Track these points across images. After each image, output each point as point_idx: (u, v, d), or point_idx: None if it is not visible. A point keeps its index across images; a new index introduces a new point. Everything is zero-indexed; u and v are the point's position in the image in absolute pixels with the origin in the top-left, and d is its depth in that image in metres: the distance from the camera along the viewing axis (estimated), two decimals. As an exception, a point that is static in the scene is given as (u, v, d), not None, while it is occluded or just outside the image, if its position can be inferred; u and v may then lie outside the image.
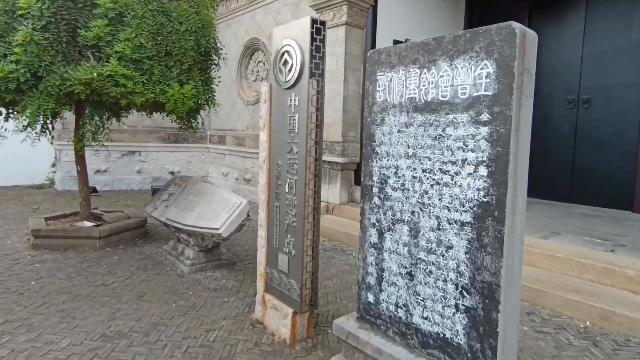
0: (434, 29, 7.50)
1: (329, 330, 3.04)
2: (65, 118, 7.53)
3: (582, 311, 3.38)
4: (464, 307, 1.80)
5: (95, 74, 3.48)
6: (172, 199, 4.45)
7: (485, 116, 1.68)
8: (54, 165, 9.43)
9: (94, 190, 8.42)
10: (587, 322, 3.33)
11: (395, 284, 2.10)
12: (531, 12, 7.37)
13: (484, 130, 1.68)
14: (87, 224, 4.92)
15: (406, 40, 7.18)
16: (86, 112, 4.02)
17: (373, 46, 6.54)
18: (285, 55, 2.71)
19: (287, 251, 2.84)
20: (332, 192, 6.48)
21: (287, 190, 2.81)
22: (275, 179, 2.94)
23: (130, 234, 5.09)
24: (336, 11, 6.25)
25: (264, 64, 8.08)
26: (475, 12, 8.23)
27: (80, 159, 4.88)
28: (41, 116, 3.66)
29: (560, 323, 3.29)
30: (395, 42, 7.02)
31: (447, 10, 7.88)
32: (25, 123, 3.72)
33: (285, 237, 2.85)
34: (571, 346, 2.94)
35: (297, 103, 2.67)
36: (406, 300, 2.05)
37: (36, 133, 4.22)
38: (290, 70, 2.68)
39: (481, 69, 1.68)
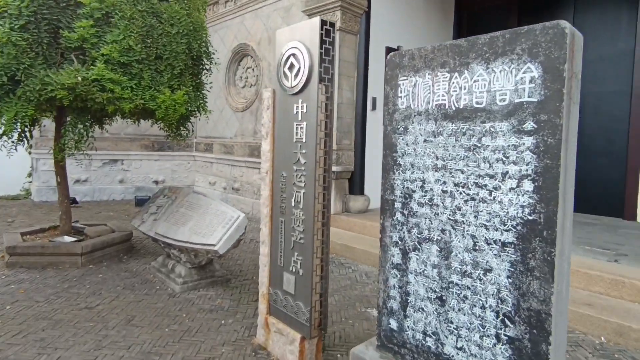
0: (425, 37, 7.44)
1: (338, 355, 2.82)
2: (44, 125, 7.15)
3: (596, 326, 3.26)
4: (506, 338, 1.61)
5: (79, 78, 3.21)
6: (162, 212, 4.18)
7: (529, 125, 1.51)
8: (30, 174, 8.97)
9: (74, 201, 8.01)
10: (602, 338, 3.19)
11: (422, 309, 1.90)
12: (519, 22, 7.39)
13: (529, 141, 1.51)
14: (68, 239, 4.59)
15: (398, 47, 7.08)
16: (68, 119, 3.72)
17: (367, 53, 6.41)
18: (292, 59, 2.51)
19: (293, 270, 2.62)
20: (326, 202, 6.26)
21: (293, 204, 2.60)
22: (279, 192, 2.72)
23: (115, 249, 4.77)
24: (329, 16, 6.09)
25: (253, 70, 7.87)
26: (464, 23, 8.22)
27: (60, 169, 4.56)
28: (19, 124, 3.36)
29: (575, 339, 3.15)
30: (388, 49, 6.92)
31: (436, 19, 7.84)
32: (0, 131, 3.41)
33: (291, 255, 2.63)
34: (592, 366, 2.79)
35: (304, 110, 2.47)
36: (436, 328, 1.85)
37: (13, 142, 3.90)
38: (297, 75, 2.48)
39: (524, 72, 1.52)
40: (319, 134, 2.41)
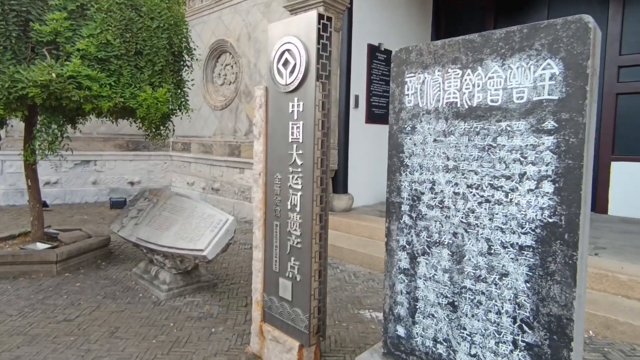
0: (405, 35, 7.43)
1: (335, 361, 2.74)
2: (11, 125, 6.74)
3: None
4: (524, 344, 1.56)
5: (54, 75, 2.98)
6: (143, 216, 3.97)
7: (549, 124, 1.45)
8: (-5, 177, 8.47)
9: (44, 204, 7.60)
10: (590, 332, 3.24)
11: (433, 315, 1.83)
12: (496, 22, 7.47)
13: (549, 140, 1.46)
14: (41, 246, 4.32)
15: (379, 44, 7.05)
16: (40, 119, 3.48)
17: (349, 50, 6.34)
18: (286, 55, 2.40)
19: (290, 276, 2.51)
20: (311, 202, 6.16)
21: (289, 207, 2.49)
22: (273, 194, 2.60)
23: (93, 256, 4.53)
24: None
25: (232, 67, 7.66)
26: (442, 23, 8.25)
27: (31, 172, 4.28)
28: (-15, 124, 3.10)
29: (568, 335, 3.17)
30: (370, 46, 6.87)
31: (415, 18, 7.84)
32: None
33: (287, 261, 2.52)
34: (585, 361, 2.81)
35: (301, 109, 2.36)
36: (448, 335, 1.79)
37: (-22, 144, 3.62)
38: (292, 72, 2.36)
39: (543, 69, 1.46)
40: (316, 134, 2.31)
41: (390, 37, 7.15)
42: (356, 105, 6.69)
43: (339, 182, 6.52)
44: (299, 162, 2.40)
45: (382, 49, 7.06)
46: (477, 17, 7.60)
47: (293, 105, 2.41)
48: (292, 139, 2.44)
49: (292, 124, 2.43)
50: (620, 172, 5.71)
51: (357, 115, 6.75)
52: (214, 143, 8.06)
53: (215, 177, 8.07)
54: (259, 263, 2.71)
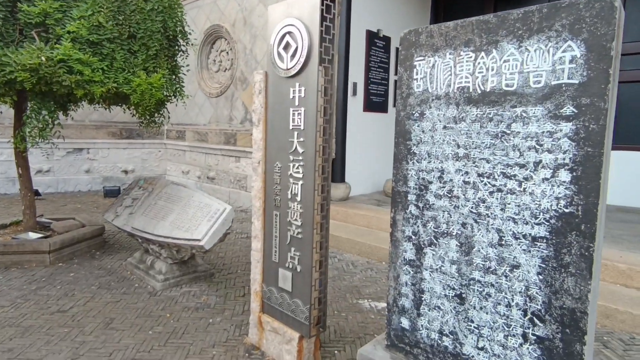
0: (404, 21, 7.30)
1: (335, 352, 2.70)
2: (1, 112, 6.59)
3: (586, 310, 3.28)
4: (535, 338, 1.51)
5: (43, 59, 2.85)
6: (138, 205, 3.89)
7: (568, 109, 1.38)
8: (-15, 165, 8.30)
9: (37, 193, 7.47)
10: (591, 322, 3.22)
11: (439, 307, 1.78)
12: (495, 7, 7.36)
13: (567, 127, 1.39)
14: (33, 235, 4.22)
15: (378, 31, 6.92)
16: (29, 104, 3.35)
17: (347, 36, 6.21)
18: (287, 38, 2.30)
19: (290, 267, 2.45)
20: (308, 191, 6.09)
21: (289, 197, 2.41)
22: (273, 184, 2.52)
23: (86, 245, 4.44)
24: (310, -3, 5.82)
25: (227, 53, 7.50)
26: (441, 9, 8.11)
27: (22, 160, 4.16)
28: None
29: (568, 326, 3.15)
30: (369, 32, 6.74)
31: (414, 4, 7.70)
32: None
33: (288, 251, 2.45)
34: (592, 353, 2.79)
35: (303, 95, 2.27)
36: (454, 327, 1.74)
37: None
38: (294, 56, 2.27)
39: (563, 51, 1.38)
40: (319, 121, 2.22)
41: (389, 24, 7.03)
42: (354, 93, 6.59)
43: (336, 170, 6.45)
44: (300, 150, 2.32)
45: (381, 35, 6.94)
46: (476, 2, 7.47)
47: (294, 91, 2.32)
48: (293, 125, 2.35)
49: (293, 111, 2.34)
50: (619, 161, 5.67)
51: (355, 104, 6.65)
52: (209, 131, 7.93)
53: (211, 166, 7.96)
54: (258, 253, 2.64)
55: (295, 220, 2.39)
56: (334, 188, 6.29)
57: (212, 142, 7.86)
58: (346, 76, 6.23)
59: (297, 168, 2.35)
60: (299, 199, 2.35)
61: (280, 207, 2.48)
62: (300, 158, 2.32)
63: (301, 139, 2.31)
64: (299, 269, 2.39)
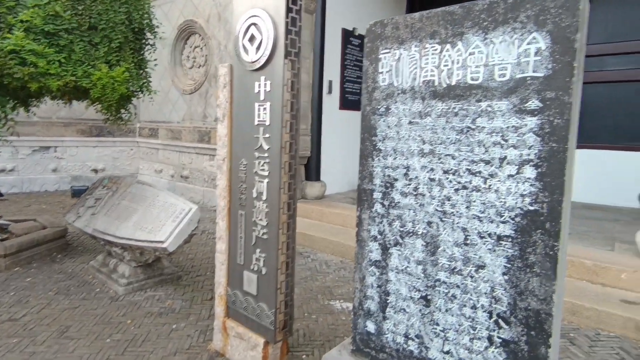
0: (379, 19, 7.27)
1: (303, 356, 2.61)
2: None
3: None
4: (500, 340, 1.46)
5: (-8, 48, 2.68)
6: (101, 205, 3.71)
7: (533, 103, 1.33)
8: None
9: (-2, 193, 7.14)
10: (559, 319, 3.23)
11: (404, 310, 1.72)
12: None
13: (532, 122, 1.34)
14: (-12, 237, 3.99)
15: (354, 29, 6.88)
16: (-19, 98, 3.15)
17: (322, 34, 6.13)
18: (252, 29, 2.20)
19: (255, 269, 2.35)
20: (283, 190, 5.99)
21: (254, 196, 2.31)
22: (238, 182, 2.42)
23: (47, 248, 4.22)
24: (285, -7, 5.72)
25: (201, 49, 7.33)
26: (417, 8, 8.14)
27: (-24, 158, 3.92)
28: None
29: (538, 324, 3.15)
30: (344, 30, 6.70)
31: (390, 3, 7.70)
32: None
33: (252, 253, 2.35)
34: (558, 351, 2.78)
35: (268, 88, 2.18)
36: (420, 331, 1.67)
37: None
38: (259, 48, 2.17)
39: (528, 44, 1.33)
40: (284, 116, 2.13)
41: (365, 22, 6.93)
42: (329, 91, 6.52)
43: (312, 168, 6.37)
44: (265, 146, 2.23)
45: (357, 34, 6.90)
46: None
47: (259, 85, 2.22)
48: (258, 121, 2.25)
49: (258, 105, 2.24)
50: (583, 159, 5.80)
51: (331, 102, 6.58)
52: (182, 129, 7.73)
53: (185, 164, 7.77)
54: (223, 255, 2.53)
55: (261, 220, 2.29)
56: (310, 186, 6.21)
57: (185, 140, 7.67)
58: (321, 74, 6.15)
59: (263, 165, 2.25)
60: (264, 197, 2.26)
61: (246, 207, 2.38)
62: (266, 155, 2.23)
63: (267, 135, 2.21)
64: (264, 272, 2.30)
